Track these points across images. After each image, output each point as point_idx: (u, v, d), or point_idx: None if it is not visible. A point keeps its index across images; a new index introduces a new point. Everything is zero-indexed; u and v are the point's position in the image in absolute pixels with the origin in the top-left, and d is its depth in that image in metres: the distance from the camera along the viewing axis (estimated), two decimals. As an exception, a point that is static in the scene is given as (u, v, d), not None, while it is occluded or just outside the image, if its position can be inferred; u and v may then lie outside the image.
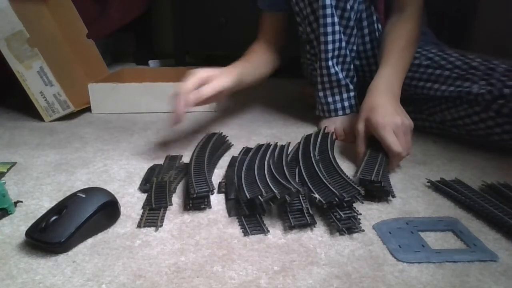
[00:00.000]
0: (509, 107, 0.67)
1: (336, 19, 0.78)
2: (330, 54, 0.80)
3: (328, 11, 0.77)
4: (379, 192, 0.56)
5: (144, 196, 0.58)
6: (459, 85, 0.74)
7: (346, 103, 0.85)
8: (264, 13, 0.95)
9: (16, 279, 0.40)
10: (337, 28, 0.78)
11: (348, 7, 0.78)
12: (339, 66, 0.82)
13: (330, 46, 0.80)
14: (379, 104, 0.68)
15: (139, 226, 0.50)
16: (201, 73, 0.71)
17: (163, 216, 0.52)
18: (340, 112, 0.85)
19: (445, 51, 0.81)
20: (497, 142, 0.72)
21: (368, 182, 0.55)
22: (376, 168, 0.59)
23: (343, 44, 0.80)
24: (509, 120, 0.68)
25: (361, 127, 0.69)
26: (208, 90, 0.70)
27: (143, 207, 0.54)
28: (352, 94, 0.84)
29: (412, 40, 0.78)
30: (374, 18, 0.85)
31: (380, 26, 0.86)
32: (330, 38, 0.79)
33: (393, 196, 0.57)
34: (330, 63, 0.81)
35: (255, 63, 0.90)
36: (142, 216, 0.52)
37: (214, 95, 0.71)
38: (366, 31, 0.86)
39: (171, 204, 0.55)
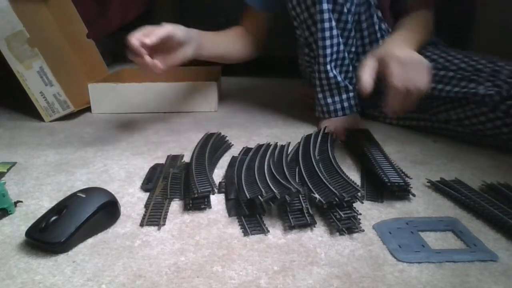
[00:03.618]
0: None
1: (333, 23, 0.78)
2: (328, 59, 0.80)
3: (326, 15, 0.77)
4: (401, 191, 0.56)
5: (145, 195, 0.58)
6: (464, 86, 0.74)
7: (345, 104, 0.85)
8: (249, 8, 0.95)
9: (16, 279, 0.40)
10: (334, 32, 0.78)
11: (345, 10, 0.78)
12: (337, 69, 0.82)
13: (328, 51, 0.80)
14: (396, 48, 0.66)
15: (141, 225, 0.50)
16: (150, 27, 0.71)
17: (166, 215, 0.52)
18: (340, 113, 0.85)
19: (449, 53, 0.80)
20: (504, 141, 0.72)
21: (396, 186, 0.55)
22: (396, 168, 0.59)
23: (341, 47, 0.80)
24: None
25: (370, 60, 0.66)
26: (157, 31, 0.70)
27: (145, 206, 0.55)
28: (351, 94, 0.84)
29: (426, 25, 0.80)
30: (375, 19, 0.84)
31: (383, 26, 0.86)
32: (328, 42, 0.79)
33: (413, 195, 0.57)
34: (328, 67, 0.81)
35: (225, 38, 0.93)
36: (144, 215, 0.52)
37: (164, 38, 0.71)
38: (365, 33, 0.85)
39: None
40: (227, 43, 0.93)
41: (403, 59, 0.62)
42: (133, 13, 1.59)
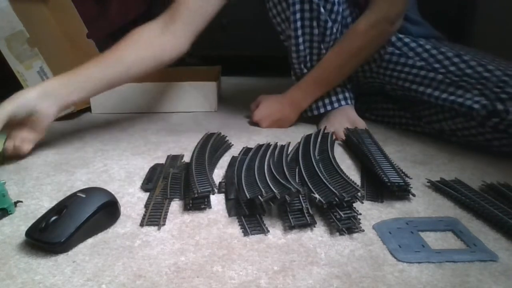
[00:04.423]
0: (504, 124, 0.67)
1: (306, 30, 0.81)
2: (301, 58, 0.85)
3: (298, 24, 0.80)
4: (401, 191, 0.56)
5: (145, 195, 0.58)
6: (452, 92, 0.74)
7: (333, 98, 0.86)
8: None
9: (16, 279, 0.40)
10: (307, 30, 0.82)
11: (322, 10, 0.79)
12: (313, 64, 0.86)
13: (301, 47, 0.83)
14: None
15: (141, 225, 0.50)
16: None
17: (166, 215, 0.52)
18: (329, 107, 0.86)
19: (440, 49, 0.79)
20: (496, 152, 0.72)
21: (396, 186, 0.55)
22: (396, 168, 0.59)
23: (315, 44, 0.83)
24: (506, 136, 0.68)
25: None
26: (26, 148, 0.69)
27: (145, 206, 0.55)
28: (339, 89, 0.86)
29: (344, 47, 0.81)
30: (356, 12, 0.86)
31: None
32: (300, 39, 0.82)
33: (413, 195, 0.57)
34: (302, 65, 0.85)
35: (108, 63, 0.76)
36: (144, 215, 0.52)
37: (6, 121, 0.64)
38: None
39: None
40: (115, 66, 0.76)
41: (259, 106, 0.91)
42: (133, 13, 1.59)
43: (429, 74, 0.78)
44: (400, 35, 0.84)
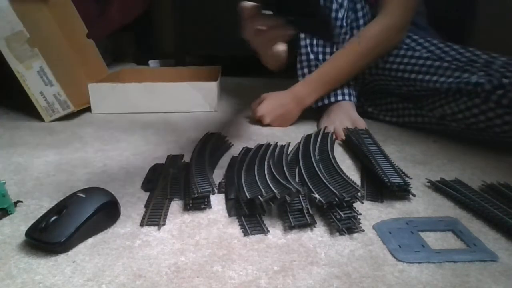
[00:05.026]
0: (508, 98, 0.67)
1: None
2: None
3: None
4: (401, 191, 0.56)
5: (145, 195, 0.58)
6: (458, 76, 0.75)
7: (332, 92, 0.87)
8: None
9: (16, 279, 0.40)
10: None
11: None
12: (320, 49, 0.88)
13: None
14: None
15: (141, 225, 0.50)
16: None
17: (166, 215, 0.52)
18: (326, 101, 0.88)
19: (446, 42, 0.82)
20: (497, 134, 0.72)
21: (396, 186, 0.55)
22: (396, 168, 0.59)
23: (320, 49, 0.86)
24: (509, 111, 0.68)
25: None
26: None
27: (145, 206, 0.55)
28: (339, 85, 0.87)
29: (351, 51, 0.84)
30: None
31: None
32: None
33: (413, 195, 0.57)
34: (309, 49, 0.87)
35: None
36: (144, 215, 0.52)
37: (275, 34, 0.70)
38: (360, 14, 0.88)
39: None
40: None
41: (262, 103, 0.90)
42: (133, 13, 1.59)
43: (435, 63, 0.79)
44: (409, 33, 0.86)
